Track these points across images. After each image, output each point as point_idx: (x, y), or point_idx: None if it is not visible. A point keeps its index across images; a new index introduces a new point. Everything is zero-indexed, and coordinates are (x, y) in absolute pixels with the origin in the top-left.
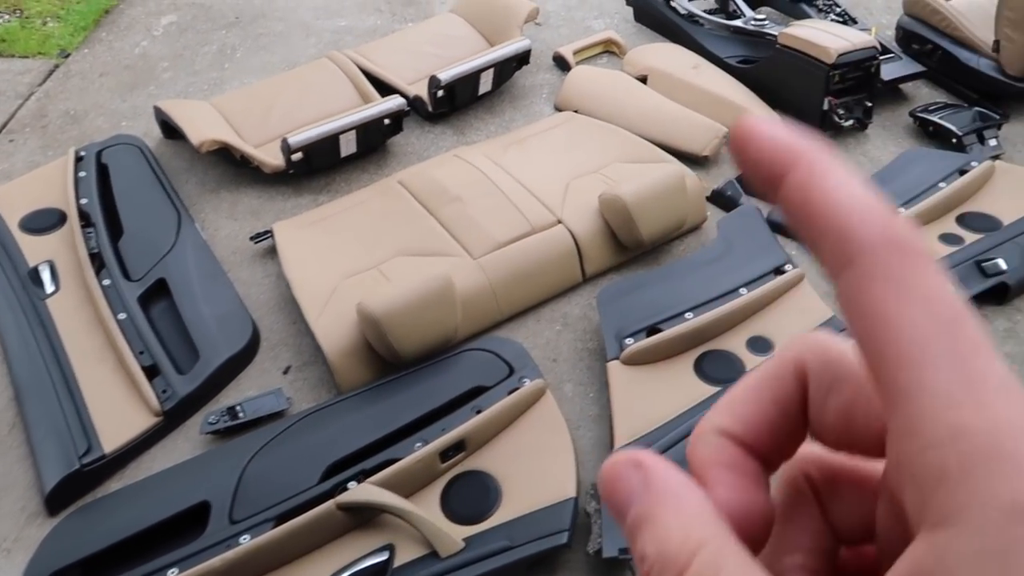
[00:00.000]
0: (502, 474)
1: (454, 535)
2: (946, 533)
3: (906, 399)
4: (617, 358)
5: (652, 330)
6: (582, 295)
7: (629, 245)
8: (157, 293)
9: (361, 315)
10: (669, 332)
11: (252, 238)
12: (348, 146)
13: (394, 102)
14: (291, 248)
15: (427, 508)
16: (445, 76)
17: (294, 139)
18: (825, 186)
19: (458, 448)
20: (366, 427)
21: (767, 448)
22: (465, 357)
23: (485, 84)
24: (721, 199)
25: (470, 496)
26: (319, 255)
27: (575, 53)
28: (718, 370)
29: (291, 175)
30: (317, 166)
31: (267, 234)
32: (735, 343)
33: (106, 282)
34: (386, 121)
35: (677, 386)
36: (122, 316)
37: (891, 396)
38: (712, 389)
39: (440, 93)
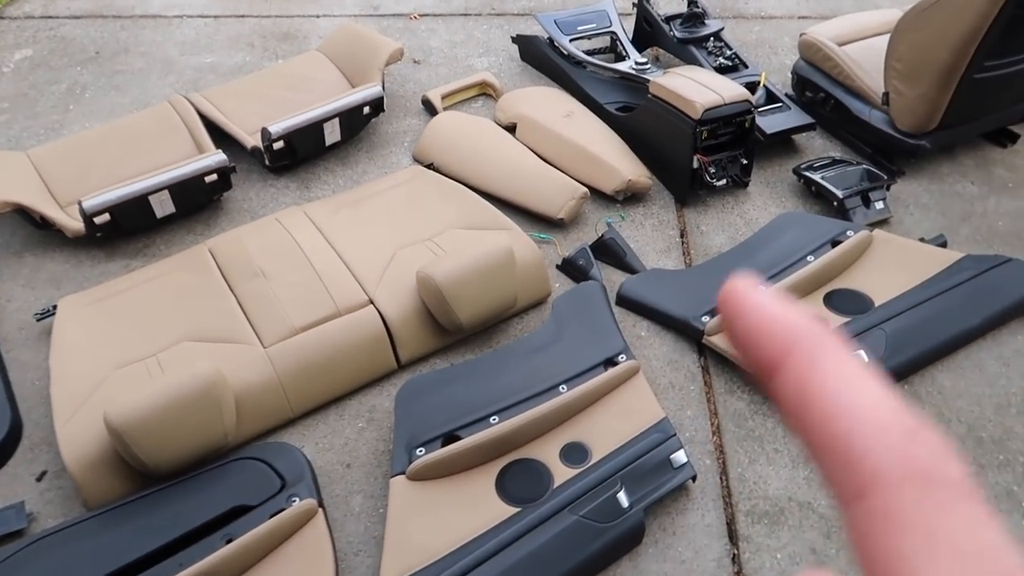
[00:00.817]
0: None
1: None
2: None
3: None
4: (403, 472)
5: (449, 438)
6: (396, 384)
7: (449, 328)
8: None
9: (105, 424)
10: (467, 441)
11: (36, 315)
12: (163, 206)
13: (214, 158)
14: (67, 330)
15: None
16: (276, 129)
17: (89, 203)
18: (829, 386)
19: None
20: (104, 555)
21: None
22: (231, 469)
23: (332, 134)
24: (571, 268)
25: None
26: (96, 340)
27: (444, 97)
28: (522, 486)
29: (103, 238)
30: (129, 228)
31: (53, 311)
32: (547, 452)
33: None
34: (208, 178)
35: (472, 506)
36: None
37: None
38: (512, 510)
39: (277, 145)
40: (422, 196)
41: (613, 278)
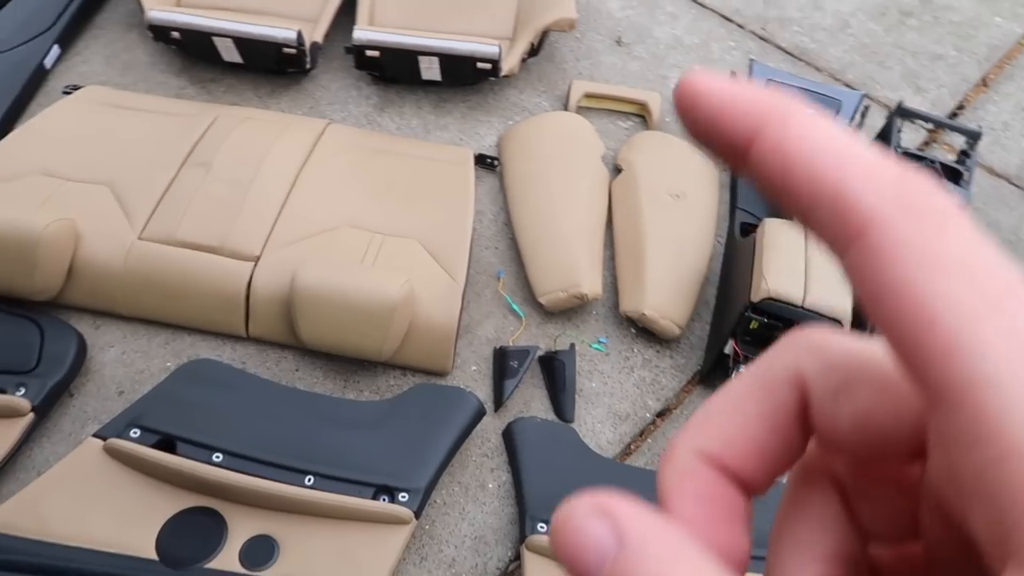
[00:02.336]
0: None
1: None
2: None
3: (961, 395)
4: (104, 438)
5: (167, 441)
6: (238, 348)
7: (295, 335)
8: None
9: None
10: (171, 460)
11: (65, 88)
12: (229, 53)
13: (281, 32)
14: (65, 115)
15: None
16: (360, 36)
17: (158, 15)
18: (809, 142)
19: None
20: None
21: (751, 470)
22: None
23: (429, 71)
24: (497, 360)
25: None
26: (73, 138)
27: (589, 96)
28: (184, 542)
29: (182, 52)
30: (194, 55)
31: (72, 90)
32: (243, 526)
33: None
34: (286, 49)
35: (125, 521)
36: None
37: (939, 393)
38: (152, 555)
39: (370, 53)
40: (432, 187)
41: (529, 404)
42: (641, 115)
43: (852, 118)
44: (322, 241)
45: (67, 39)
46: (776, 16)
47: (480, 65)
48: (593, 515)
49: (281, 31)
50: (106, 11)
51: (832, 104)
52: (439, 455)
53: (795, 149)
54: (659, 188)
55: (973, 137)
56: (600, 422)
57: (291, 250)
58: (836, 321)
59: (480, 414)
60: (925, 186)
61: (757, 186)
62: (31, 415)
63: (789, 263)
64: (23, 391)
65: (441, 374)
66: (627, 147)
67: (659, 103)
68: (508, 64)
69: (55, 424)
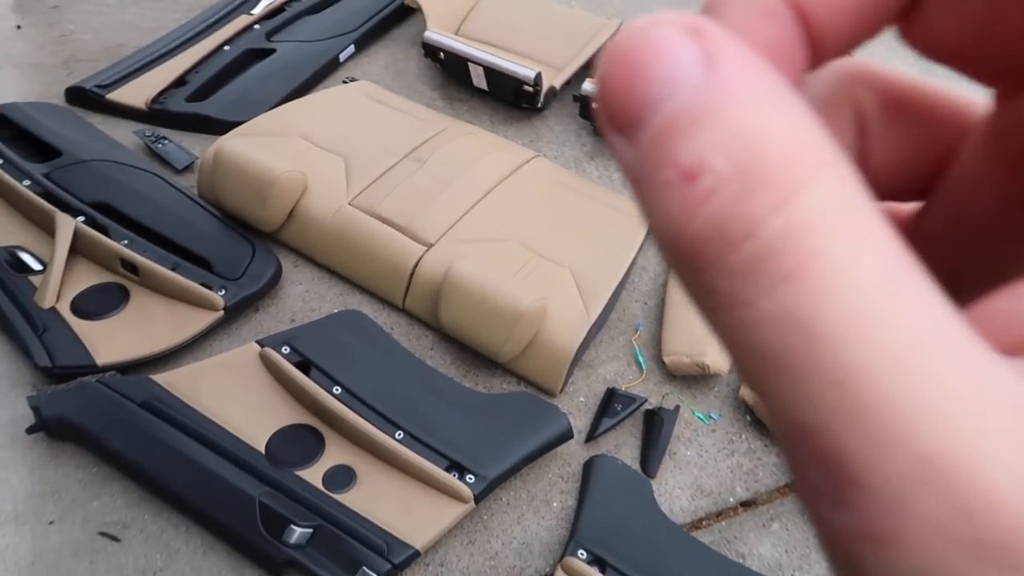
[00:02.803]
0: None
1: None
2: None
3: None
4: (262, 347)
5: (304, 365)
6: (392, 314)
7: (437, 317)
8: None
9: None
10: (300, 380)
11: (345, 79)
12: (479, 79)
13: (521, 70)
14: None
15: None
16: (430, 36)
17: (432, 36)
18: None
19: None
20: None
21: (833, 23)
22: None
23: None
24: (608, 399)
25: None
26: (332, 116)
27: None
28: (288, 449)
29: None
30: (453, 76)
31: (349, 80)
32: (333, 457)
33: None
34: (524, 87)
35: (250, 412)
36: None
37: None
38: (259, 451)
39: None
40: (601, 230)
41: (620, 448)
42: None
43: None
44: (490, 247)
45: (363, 42)
46: None
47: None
48: (683, 30)
49: (524, 69)
50: (400, 28)
51: None
52: (515, 457)
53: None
54: None
55: None
56: (681, 488)
57: (461, 246)
58: None
59: (566, 436)
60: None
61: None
62: (221, 312)
63: None
64: (223, 292)
65: (550, 393)
66: None
67: None
68: None
69: (236, 328)
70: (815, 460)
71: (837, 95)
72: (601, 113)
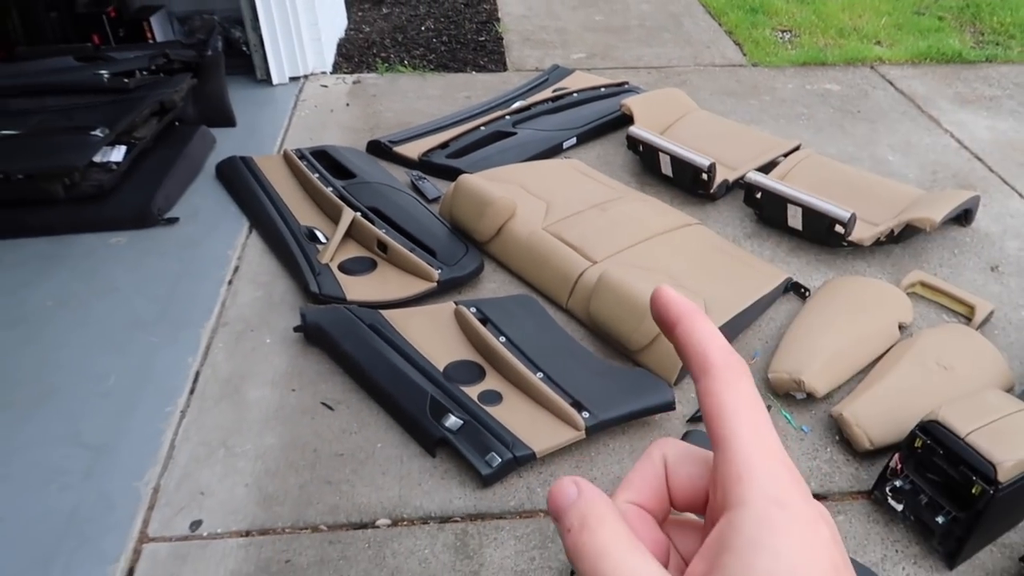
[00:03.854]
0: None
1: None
2: (736, 511)
3: (726, 443)
4: (457, 304)
5: (484, 320)
6: (557, 313)
7: (587, 311)
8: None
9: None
10: (478, 327)
11: (561, 158)
12: (794, 219)
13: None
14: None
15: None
16: (754, 178)
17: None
18: (698, 331)
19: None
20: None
21: (654, 507)
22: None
23: (793, 219)
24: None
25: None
26: (545, 176)
27: (922, 284)
28: (461, 371)
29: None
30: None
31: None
32: (488, 383)
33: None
34: (836, 227)
35: (442, 339)
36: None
37: (720, 442)
38: (439, 367)
39: (757, 195)
40: (735, 280)
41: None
42: (968, 316)
43: None
44: (640, 271)
45: (584, 137)
46: None
47: (836, 228)
48: (569, 482)
49: (701, 158)
50: (617, 132)
51: None
52: (624, 409)
53: (692, 331)
54: (931, 356)
55: None
56: None
57: (619, 266)
58: (990, 464)
59: (669, 406)
60: (740, 360)
61: (676, 346)
62: (435, 284)
63: (976, 406)
64: (440, 271)
65: (667, 382)
66: (935, 329)
67: (986, 311)
68: (860, 235)
69: (443, 300)
70: None
71: (656, 458)
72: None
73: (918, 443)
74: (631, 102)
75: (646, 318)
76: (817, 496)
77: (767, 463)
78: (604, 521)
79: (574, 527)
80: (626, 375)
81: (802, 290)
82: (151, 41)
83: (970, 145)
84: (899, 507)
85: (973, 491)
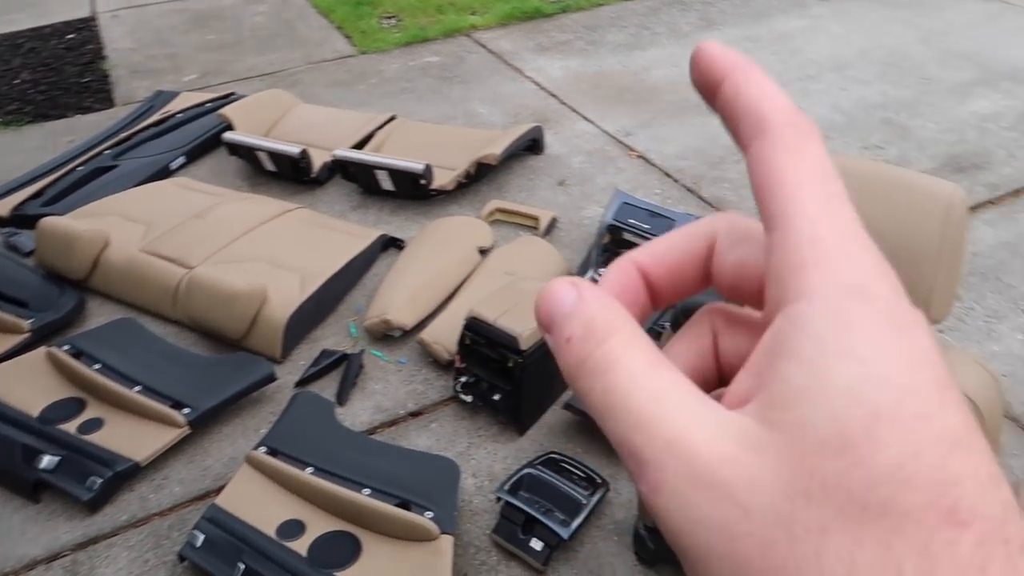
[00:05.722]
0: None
1: None
2: (798, 304)
3: (784, 220)
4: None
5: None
6: (166, 325)
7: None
8: None
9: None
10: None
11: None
12: (267, 163)
13: (293, 150)
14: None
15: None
16: (338, 153)
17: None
18: (752, 85)
19: None
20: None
21: (662, 282)
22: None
23: (385, 183)
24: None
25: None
26: (147, 199)
27: (499, 211)
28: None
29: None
30: (252, 165)
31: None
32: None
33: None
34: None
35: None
36: None
37: (773, 220)
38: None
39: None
40: (330, 248)
41: (324, 389)
42: (536, 227)
43: None
44: (238, 265)
45: (194, 154)
46: (715, 176)
47: (421, 181)
48: (567, 284)
49: (293, 148)
50: None
51: (668, 222)
52: (225, 394)
53: (743, 85)
54: (499, 267)
55: None
56: (364, 409)
57: (215, 266)
58: (513, 337)
59: (269, 379)
60: (806, 118)
61: (720, 111)
62: (28, 334)
63: (504, 296)
64: (32, 320)
65: (274, 359)
66: (507, 245)
67: (548, 219)
68: (442, 182)
69: (51, 343)
70: (626, 457)
71: (702, 318)
72: (537, 323)
73: (468, 339)
74: (227, 110)
75: (235, 306)
76: (415, 413)
77: (844, 243)
78: (615, 328)
79: (575, 335)
80: (225, 363)
81: (399, 243)
82: None
83: (547, 85)
84: (469, 399)
85: (510, 365)
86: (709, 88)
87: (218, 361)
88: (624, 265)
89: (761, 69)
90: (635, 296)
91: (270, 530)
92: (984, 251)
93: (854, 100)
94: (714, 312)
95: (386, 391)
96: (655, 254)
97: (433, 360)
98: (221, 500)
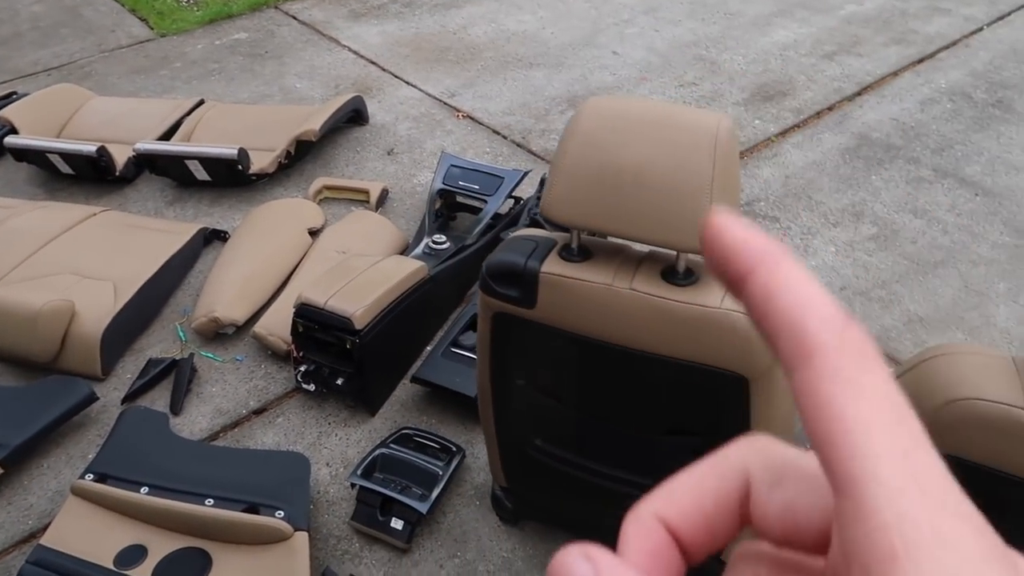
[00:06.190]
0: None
1: None
2: None
3: (856, 487)
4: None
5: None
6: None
7: None
8: None
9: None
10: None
11: None
12: (62, 166)
13: (88, 148)
14: None
15: None
16: (141, 147)
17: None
18: (788, 287)
19: None
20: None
21: (696, 539)
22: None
23: (199, 172)
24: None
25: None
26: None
27: (327, 188)
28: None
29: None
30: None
31: None
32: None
33: None
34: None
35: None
36: None
37: (842, 484)
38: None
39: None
40: (145, 250)
41: (155, 402)
42: (366, 200)
43: (512, 188)
44: (38, 282)
45: None
46: (542, 128)
47: (238, 168)
48: (580, 557)
49: (87, 147)
50: None
51: (497, 180)
52: (37, 425)
53: (776, 288)
54: (331, 246)
55: None
56: (202, 415)
57: (13, 288)
58: (346, 318)
59: (89, 400)
60: (862, 334)
61: (747, 309)
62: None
63: (333, 277)
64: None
65: (95, 377)
66: (338, 223)
67: (379, 191)
68: (261, 164)
69: None
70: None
71: (743, 568)
72: None
73: (300, 327)
74: (8, 111)
75: (37, 327)
76: (259, 411)
77: (936, 521)
78: None
79: None
80: (36, 389)
81: (222, 235)
82: None
83: (365, 53)
84: (312, 387)
85: (348, 347)
86: (731, 281)
87: (27, 390)
88: (647, 524)
89: (794, 256)
90: (668, 563)
91: (107, 561)
92: (795, 172)
93: (668, 40)
94: (757, 558)
95: (225, 392)
96: (682, 506)
97: (272, 353)
98: (47, 539)
